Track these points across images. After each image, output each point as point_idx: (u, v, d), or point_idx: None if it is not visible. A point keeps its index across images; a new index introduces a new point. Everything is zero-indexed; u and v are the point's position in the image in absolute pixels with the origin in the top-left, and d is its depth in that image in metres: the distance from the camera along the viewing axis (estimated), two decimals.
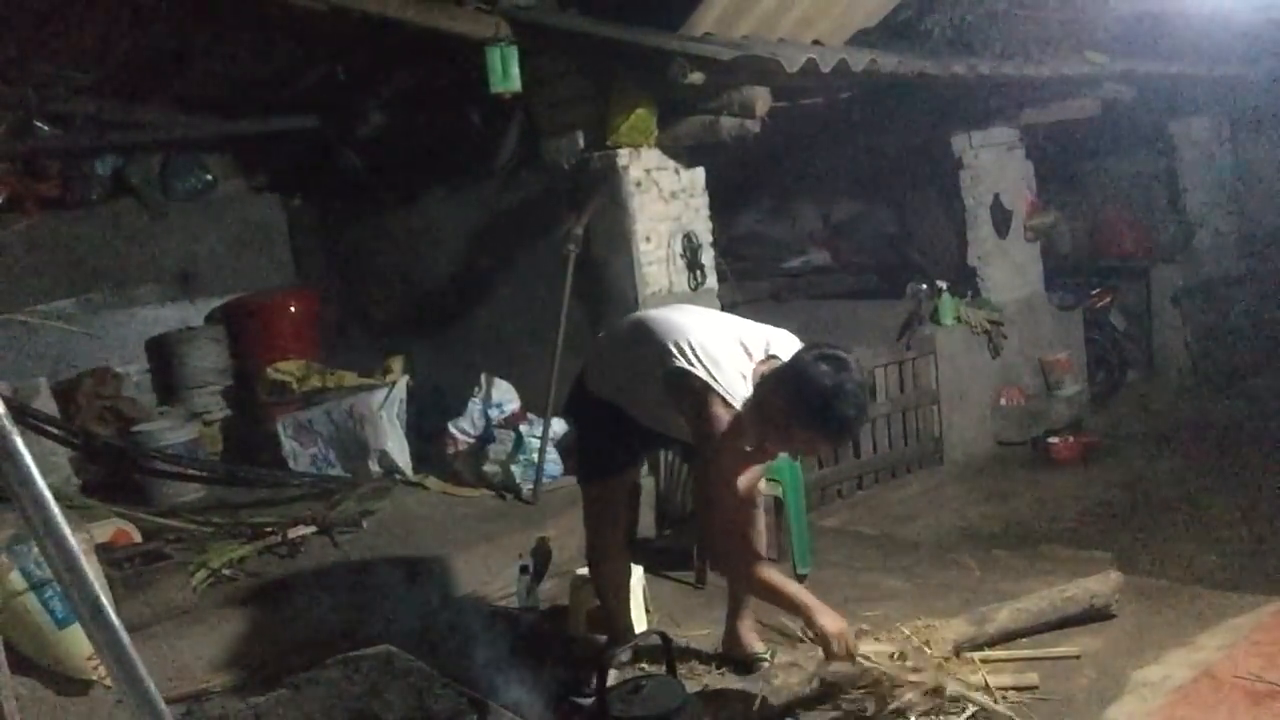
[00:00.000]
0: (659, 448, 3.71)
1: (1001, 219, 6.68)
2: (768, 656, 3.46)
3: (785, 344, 3.03)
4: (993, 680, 3.17)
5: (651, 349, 3.03)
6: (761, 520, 3.50)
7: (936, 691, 3.01)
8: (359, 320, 6.49)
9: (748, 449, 2.99)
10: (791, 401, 2.78)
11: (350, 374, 5.81)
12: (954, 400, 6.28)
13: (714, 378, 2.88)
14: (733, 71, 4.47)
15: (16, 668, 2.99)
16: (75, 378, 5.78)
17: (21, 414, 4.81)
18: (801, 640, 3.43)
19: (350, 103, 5.64)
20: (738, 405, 2.88)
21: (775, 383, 2.86)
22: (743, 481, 3.14)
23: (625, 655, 3.33)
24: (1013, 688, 3.16)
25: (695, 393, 2.90)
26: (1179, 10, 6.48)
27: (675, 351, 2.95)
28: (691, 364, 2.91)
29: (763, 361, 2.95)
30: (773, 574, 3.09)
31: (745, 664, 3.45)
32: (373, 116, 5.60)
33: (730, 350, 2.97)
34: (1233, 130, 8.58)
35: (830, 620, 2.94)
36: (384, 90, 5.50)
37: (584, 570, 3.81)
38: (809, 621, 2.97)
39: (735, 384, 2.90)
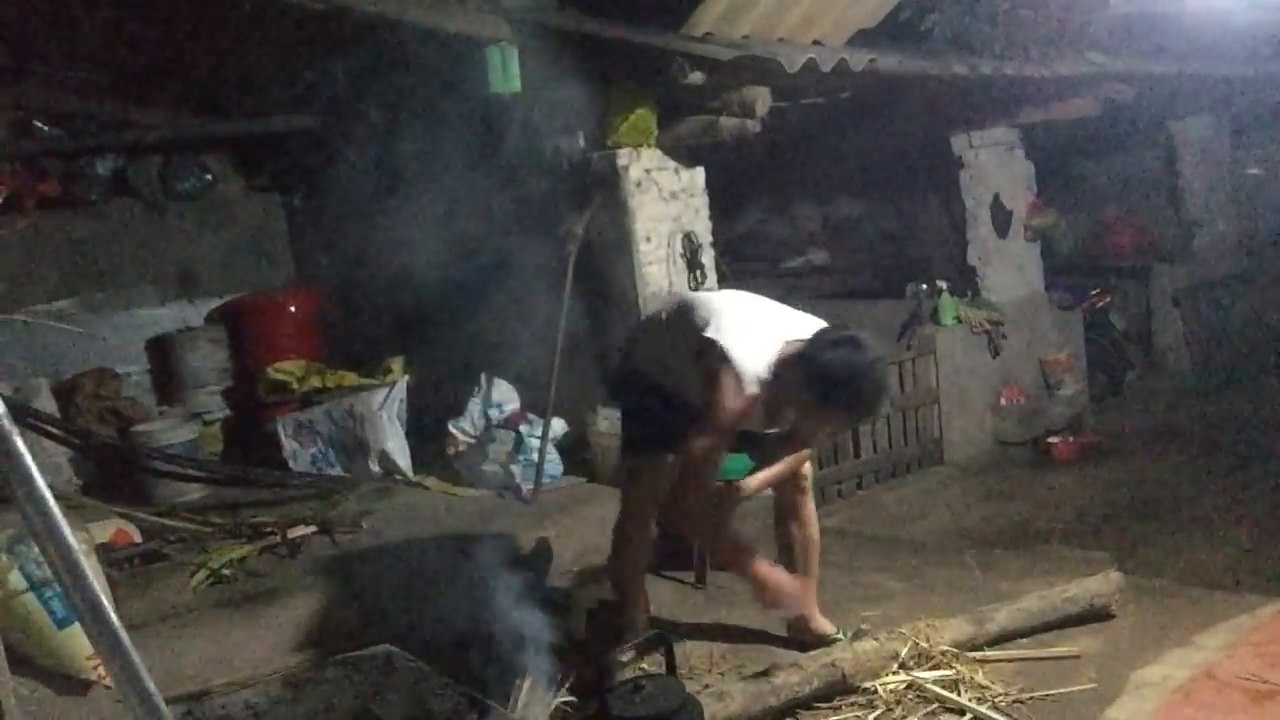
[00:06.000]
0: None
1: (1001, 219, 6.68)
2: (842, 636, 3.49)
3: (813, 329, 3.17)
4: (991, 680, 3.18)
5: (689, 322, 3.20)
6: (810, 505, 3.60)
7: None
8: (359, 320, 6.48)
9: (773, 429, 3.19)
10: (806, 378, 2.94)
11: (350, 374, 5.80)
12: (954, 400, 6.28)
13: (733, 352, 3.02)
14: (733, 71, 4.47)
15: (16, 668, 2.99)
16: (75, 378, 5.78)
17: (21, 414, 4.80)
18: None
19: (350, 103, 5.64)
20: (750, 383, 3.01)
21: (795, 363, 3.00)
22: (790, 464, 3.35)
23: (626, 655, 3.33)
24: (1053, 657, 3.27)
25: (714, 362, 3.04)
26: (1179, 10, 6.47)
27: (709, 323, 3.11)
28: (718, 334, 3.06)
29: (787, 343, 3.08)
30: (733, 536, 3.23)
31: (819, 644, 3.45)
32: (373, 116, 5.59)
33: (759, 330, 3.11)
34: (1233, 130, 8.57)
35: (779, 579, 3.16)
36: (384, 90, 5.50)
37: (583, 569, 3.82)
38: (750, 574, 3.16)
39: (754, 362, 3.02)
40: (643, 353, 3.49)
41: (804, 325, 3.17)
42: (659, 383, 3.39)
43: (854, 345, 2.94)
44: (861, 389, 2.92)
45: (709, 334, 3.08)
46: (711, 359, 3.05)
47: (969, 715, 3.02)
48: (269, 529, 4.46)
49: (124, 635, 1.44)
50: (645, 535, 3.64)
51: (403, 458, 5.29)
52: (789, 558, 3.69)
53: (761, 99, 4.64)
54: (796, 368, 2.99)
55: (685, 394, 3.30)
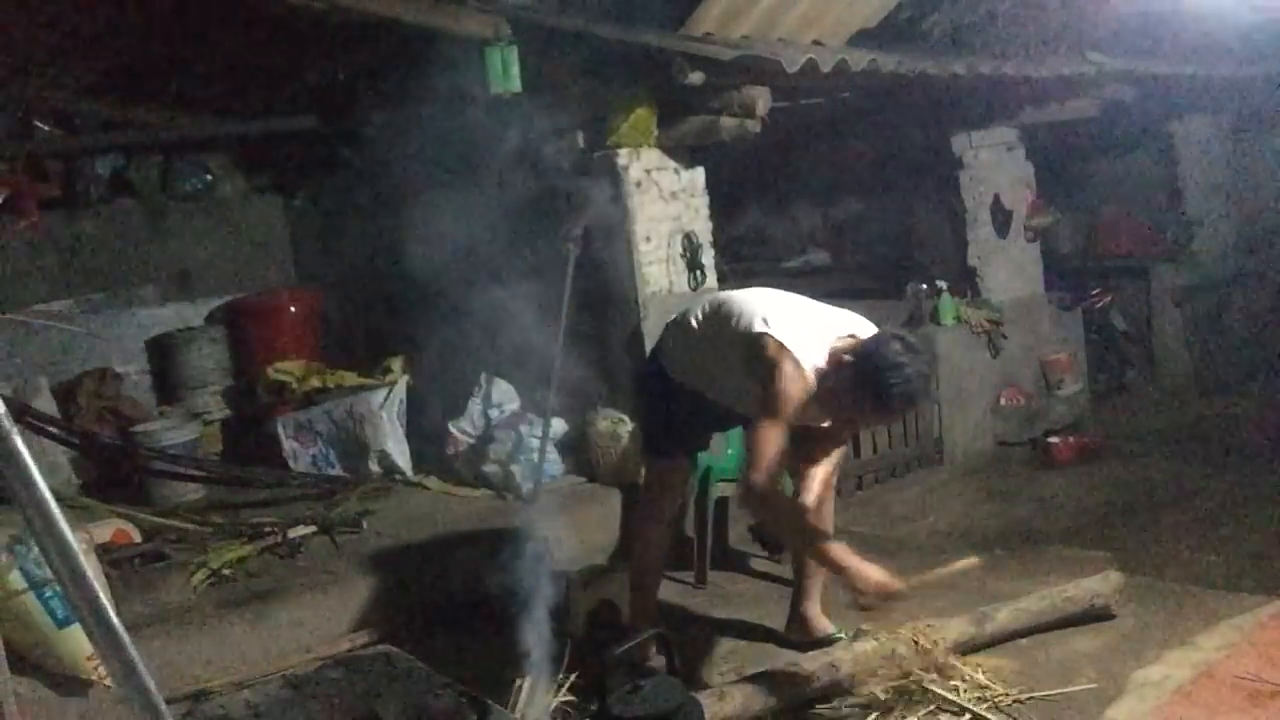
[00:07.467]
0: (731, 427, 3.83)
1: (1001, 219, 6.68)
2: (842, 635, 3.49)
3: (866, 328, 3.21)
4: (991, 680, 3.18)
5: (731, 320, 3.20)
6: (831, 504, 3.63)
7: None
8: (359, 320, 6.48)
9: (824, 424, 3.21)
10: (858, 374, 2.97)
11: (350, 374, 5.80)
12: (954, 400, 6.28)
13: (790, 342, 3.03)
14: (733, 71, 4.47)
15: (16, 668, 2.99)
16: (75, 378, 5.78)
17: (21, 414, 4.80)
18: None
19: (350, 103, 5.64)
20: (809, 371, 3.02)
21: (850, 356, 3.03)
22: (826, 467, 3.39)
23: (625, 653, 3.34)
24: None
25: (770, 354, 3.04)
26: (1179, 10, 6.47)
27: (758, 317, 3.12)
28: (769, 327, 3.06)
29: (840, 338, 3.12)
30: (822, 536, 3.18)
31: (818, 645, 3.46)
32: (373, 116, 5.59)
33: (809, 324, 3.14)
34: (1233, 130, 8.56)
35: (870, 573, 3.03)
36: (384, 90, 5.50)
37: (583, 569, 3.81)
38: (848, 579, 3.06)
39: (810, 354, 3.04)
40: (672, 354, 3.46)
41: (848, 322, 3.21)
42: (691, 384, 3.39)
43: (905, 345, 3.00)
44: (908, 387, 2.93)
45: (760, 328, 3.09)
46: (767, 351, 3.05)
47: (969, 715, 3.02)
48: (269, 529, 4.46)
49: (124, 635, 1.44)
50: (664, 535, 3.65)
51: (403, 458, 5.29)
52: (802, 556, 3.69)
53: (761, 99, 4.63)
54: (848, 363, 3.02)
55: (726, 393, 3.32)
